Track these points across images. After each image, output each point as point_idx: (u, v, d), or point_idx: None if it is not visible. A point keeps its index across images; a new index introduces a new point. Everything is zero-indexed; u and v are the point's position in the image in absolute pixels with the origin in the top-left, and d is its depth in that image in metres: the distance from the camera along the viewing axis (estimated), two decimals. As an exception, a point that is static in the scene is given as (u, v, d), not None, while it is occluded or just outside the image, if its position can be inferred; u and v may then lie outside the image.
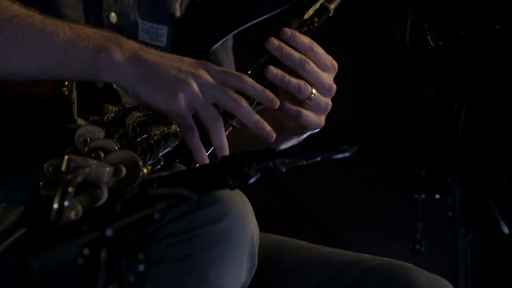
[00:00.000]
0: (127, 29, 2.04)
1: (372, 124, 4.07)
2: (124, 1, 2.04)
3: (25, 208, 1.50)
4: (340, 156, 1.28)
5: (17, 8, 1.70)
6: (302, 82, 1.81)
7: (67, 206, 1.22)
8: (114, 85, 1.89)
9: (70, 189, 1.24)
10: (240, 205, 1.61)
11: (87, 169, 1.34)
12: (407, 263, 1.95)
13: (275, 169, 1.28)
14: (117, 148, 1.53)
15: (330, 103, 1.88)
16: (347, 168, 3.93)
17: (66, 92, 1.83)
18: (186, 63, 1.68)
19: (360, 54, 3.99)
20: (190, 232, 1.59)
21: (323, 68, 1.85)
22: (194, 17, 2.16)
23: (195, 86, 1.64)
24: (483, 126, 3.59)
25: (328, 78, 1.85)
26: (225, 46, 2.24)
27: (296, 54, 1.81)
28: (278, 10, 2.01)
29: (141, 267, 1.13)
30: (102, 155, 1.50)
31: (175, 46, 2.14)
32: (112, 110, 1.70)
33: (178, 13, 2.15)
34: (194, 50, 2.14)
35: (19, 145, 1.94)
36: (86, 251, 1.08)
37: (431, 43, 1.66)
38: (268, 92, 1.73)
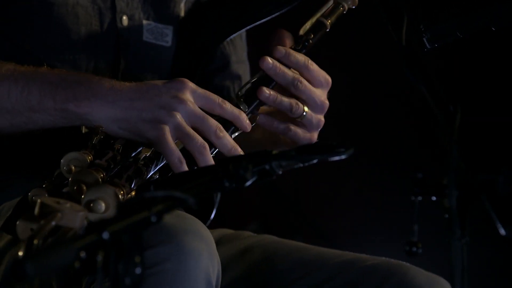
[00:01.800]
0: (132, 30, 2.04)
1: (368, 126, 4.07)
2: (132, 2, 2.05)
3: (11, 214, 1.50)
4: (336, 158, 1.28)
5: None
6: (293, 102, 1.82)
7: None
8: None
9: (35, 241, 1.22)
10: (191, 242, 1.58)
11: (59, 214, 1.34)
12: (404, 262, 1.95)
13: (272, 172, 1.28)
14: (100, 179, 1.52)
15: (322, 119, 1.88)
16: (343, 170, 3.93)
17: None
18: (163, 91, 1.66)
19: (355, 56, 3.99)
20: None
21: (317, 85, 1.84)
22: (197, 17, 2.16)
23: (178, 117, 1.63)
24: (478, 128, 3.59)
25: (321, 95, 1.85)
26: (232, 41, 2.23)
27: (289, 74, 1.81)
28: (278, 13, 2.01)
29: (138, 270, 1.13)
30: (84, 188, 1.50)
31: (179, 46, 2.13)
32: (101, 131, 1.69)
33: (182, 13, 2.14)
34: (197, 50, 2.14)
35: (23, 154, 1.93)
36: (82, 254, 1.07)
37: (427, 45, 1.67)
38: (243, 117, 1.73)
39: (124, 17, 2.03)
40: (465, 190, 1.35)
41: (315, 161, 1.29)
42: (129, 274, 1.12)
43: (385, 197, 4.00)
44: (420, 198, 1.42)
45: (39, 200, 1.36)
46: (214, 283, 1.61)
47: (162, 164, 1.70)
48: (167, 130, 1.62)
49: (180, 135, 1.64)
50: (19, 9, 1.92)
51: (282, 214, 4.40)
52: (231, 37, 2.15)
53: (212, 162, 1.67)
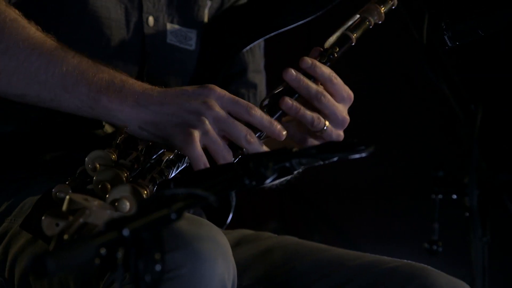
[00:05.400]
0: (158, 32, 2.05)
1: (389, 124, 4.07)
2: (159, 4, 2.05)
3: (31, 212, 1.50)
4: (356, 156, 1.27)
5: (32, 32, 1.69)
6: (315, 116, 1.78)
7: None
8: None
9: (65, 237, 1.25)
10: (206, 248, 1.57)
11: (87, 211, 1.34)
12: (426, 265, 1.94)
13: (292, 169, 1.28)
14: (124, 178, 1.53)
15: (342, 134, 1.85)
16: (363, 168, 3.93)
17: None
18: (192, 96, 1.65)
19: (376, 53, 3.98)
20: None
21: (339, 100, 1.82)
22: (223, 22, 2.16)
23: (207, 123, 1.62)
24: (500, 127, 3.57)
25: (342, 110, 1.83)
26: (251, 50, 2.23)
27: (313, 87, 1.78)
28: (304, 21, 2.00)
29: (158, 267, 1.13)
30: (109, 187, 1.50)
31: (202, 50, 2.13)
32: (125, 131, 1.69)
33: (205, 19, 2.15)
34: (220, 54, 2.14)
35: (45, 152, 1.94)
36: (103, 251, 1.08)
37: (448, 43, 1.66)
38: (275, 125, 1.69)
39: (150, 18, 2.04)
40: (486, 189, 1.34)
41: (335, 159, 1.28)
42: (149, 271, 1.13)
43: (405, 195, 4.00)
44: (440, 196, 1.42)
45: (67, 196, 1.37)
46: None
47: (183, 166, 1.70)
48: (196, 135, 1.62)
49: (207, 141, 1.63)
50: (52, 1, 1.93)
51: (300, 213, 4.40)
52: (255, 43, 2.14)
53: None
